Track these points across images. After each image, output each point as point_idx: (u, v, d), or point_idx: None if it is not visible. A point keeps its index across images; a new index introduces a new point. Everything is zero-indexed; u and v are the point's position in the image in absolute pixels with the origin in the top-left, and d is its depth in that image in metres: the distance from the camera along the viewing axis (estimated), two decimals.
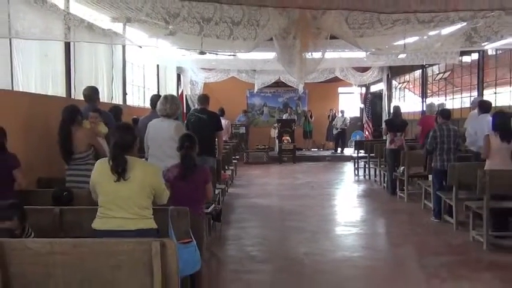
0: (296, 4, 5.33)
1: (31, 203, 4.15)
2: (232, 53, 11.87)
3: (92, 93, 5.65)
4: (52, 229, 3.61)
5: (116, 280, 2.68)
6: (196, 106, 14.98)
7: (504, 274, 4.90)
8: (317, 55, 7.31)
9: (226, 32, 6.12)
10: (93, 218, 3.30)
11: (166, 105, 5.18)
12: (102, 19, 6.67)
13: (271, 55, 12.00)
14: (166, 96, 5.39)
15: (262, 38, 6.58)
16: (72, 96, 7.11)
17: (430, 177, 7.91)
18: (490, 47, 9.19)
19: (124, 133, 3.34)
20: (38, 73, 6.16)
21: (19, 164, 4.47)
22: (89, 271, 2.67)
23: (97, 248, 2.68)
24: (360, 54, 12.75)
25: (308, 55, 7.10)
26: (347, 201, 9.63)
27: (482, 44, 7.61)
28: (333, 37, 7.47)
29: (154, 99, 6.87)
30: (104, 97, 8.07)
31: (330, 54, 10.83)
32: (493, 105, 8.21)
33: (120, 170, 3.15)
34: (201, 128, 6.57)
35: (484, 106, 7.26)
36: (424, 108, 14.16)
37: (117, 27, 7.32)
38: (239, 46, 7.33)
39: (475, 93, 10.96)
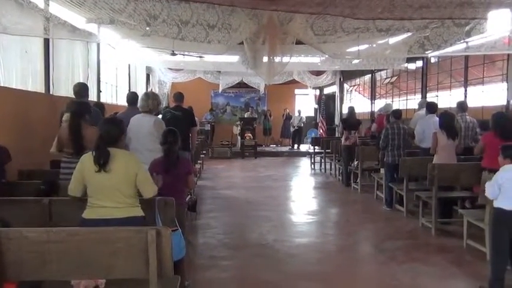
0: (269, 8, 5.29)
1: (14, 194, 3.94)
2: (199, 55, 11.76)
3: (81, 89, 5.37)
4: (41, 219, 3.42)
5: (112, 266, 2.57)
6: (164, 104, 14.91)
7: (451, 256, 5.07)
8: (285, 59, 7.32)
9: (203, 35, 6.03)
10: (81, 208, 3.16)
11: (148, 101, 5.03)
12: (79, 19, 6.43)
13: (235, 58, 11.96)
14: (147, 93, 5.24)
15: (235, 42, 6.53)
16: (51, 93, 6.81)
17: (382, 170, 8.10)
18: (433, 55, 9.53)
19: (110, 126, 3.22)
20: (18, 69, 5.85)
21: (10, 158, 4.19)
22: (86, 258, 2.55)
23: (94, 236, 2.56)
24: (315, 59, 12.95)
25: (276, 58, 7.10)
26: (307, 193, 9.74)
27: (426, 52, 7.88)
28: (297, 43, 7.52)
29: (131, 96, 6.67)
30: None
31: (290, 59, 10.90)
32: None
33: (101, 162, 3.04)
34: (176, 124, 6.38)
35: (431, 107, 7.50)
36: (374, 109, 14.56)
37: (92, 28, 7.07)
38: (213, 48, 7.24)
39: (418, 96, 11.34)
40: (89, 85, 8.89)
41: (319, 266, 4.90)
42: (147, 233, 2.52)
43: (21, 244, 2.50)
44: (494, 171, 4.06)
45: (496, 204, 3.89)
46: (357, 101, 16.95)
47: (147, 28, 6.21)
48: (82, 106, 4.60)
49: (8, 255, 2.51)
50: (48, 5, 5.56)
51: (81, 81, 8.35)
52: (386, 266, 4.79)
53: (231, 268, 4.81)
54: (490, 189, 3.89)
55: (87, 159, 3.13)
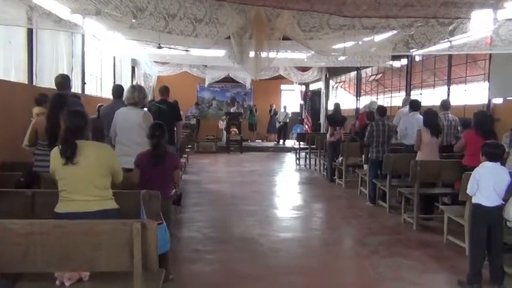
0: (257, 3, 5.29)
1: None
2: (185, 49, 11.66)
3: (64, 81, 5.29)
4: (24, 212, 3.39)
5: (96, 259, 2.56)
6: (150, 98, 14.79)
7: (431, 250, 5.18)
8: (271, 54, 7.34)
9: (190, 28, 5.99)
10: None
11: (134, 94, 4.99)
12: (63, 10, 6.33)
13: (221, 52, 11.91)
14: (134, 86, 5.20)
15: (222, 36, 6.52)
16: (34, 84, 6.72)
17: (365, 166, 8.20)
18: (417, 53, 9.65)
19: (73, 118, 3.18)
20: (1, 59, 5.74)
21: None
22: (69, 250, 2.53)
23: (78, 229, 2.55)
24: (301, 55, 12.98)
25: (263, 54, 7.11)
26: (292, 188, 9.80)
27: (411, 51, 7.97)
28: (283, 38, 7.53)
29: (116, 89, 6.62)
30: None
31: (276, 54, 10.90)
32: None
33: (68, 154, 3.01)
34: (162, 118, 6.36)
35: (414, 105, 7.61)
36: (359, 106, 14.69)
37: (77, 18, 6.98)
38: (199, 42, 7.21)
39: (403, 94, 11.48)
40: (73, 77, 8.87)
41: (302, 260, 4.95)
42: (132, 226, 2.51)
43: (4, 236, 2.48)
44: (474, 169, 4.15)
45: (474, 200, 3.99)
46: (342, 97, 17.07)
47: (133, 20, 6.15)
48: (60, 98, 4.54)
49: None
50: None
51: (65, 72, 8.24)
52: (368, 260, 4.86)
53: (215, 261, 4.83)
54: (469, 185, 3.99)
55: (55, 152, 3.10)
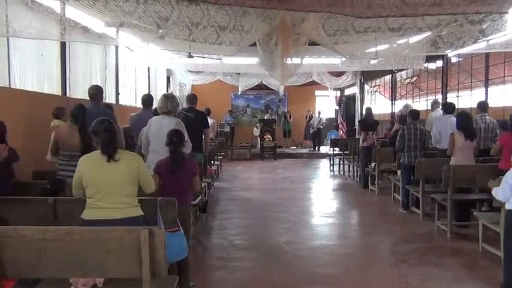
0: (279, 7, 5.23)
1: (27, 194, 4.02)
2: (218, 57, 11.79)
3: (96, 91, 5.41)
4: (46, 219, 3.47)
5: (105, 265, 2.58)
6: (184, 106, 15.02)
7: (465, 260, 4.92)
8: (297, 60, 7.25)
9: (214, 36, 6.03)
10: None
11: (167, 103, 5.05)
12: (96, 23, 6.53)
13: (254, 60, 11.97)
14: (166, 95, 5.28)
15: (247, 43, 6.50)
16: (67, 95, 6.94)
17: (399, 172, 7.92)
18: (453, 54, 9.29)
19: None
20: (34, 72, 5.98)
21: (18, 158, 4.27)
22: (79, 257, 2.57)
23: (87, 235, 2.58)
24: (335, 60, 12.82)
25: (289, 60, 7.04)
26: (323, 194, 9.63)
27: (446, 52, 7.67)
28: (311, 44, 7.44)
29: (146, 98, 6.74)
30: None
31: (307, 60, 10.78)
32: (456, 107, 8.25)
33: (111, 150, 3.07)
34: (189, 125, 6.41)
35: (448, 108, 7.31)
36: (394, 110, 14.33)
37: (111, 31, 7.18)
38: (225, 50, 7.23)
39: (439, 97, 11.05)
40: (107, 87, 9.11)
41: (328, 268, 4.82)
42: (140, 233, 2.51)
43: (17, 242, 2.54)
44: None
45: (508, 206, 3.74)
46: (378, 101, 16.69)
47: (161, 31, 6.25)
48: (82, 108, 4.66)
49: (6, 253, 2.55)
50: (64, 9, 5.67)
51: (99, 83, 8.49)
52: (396, 269, 4.67)
53: (240, 269, 4.78)
54: (500, 191, 3.74)
55: (89, 160, 3.14)
